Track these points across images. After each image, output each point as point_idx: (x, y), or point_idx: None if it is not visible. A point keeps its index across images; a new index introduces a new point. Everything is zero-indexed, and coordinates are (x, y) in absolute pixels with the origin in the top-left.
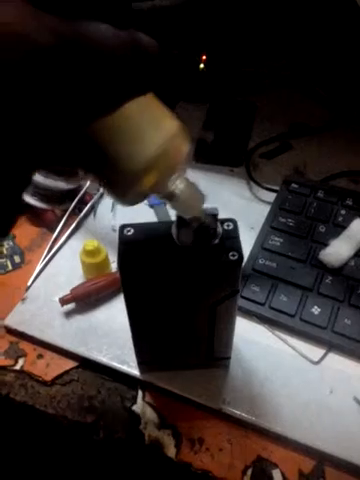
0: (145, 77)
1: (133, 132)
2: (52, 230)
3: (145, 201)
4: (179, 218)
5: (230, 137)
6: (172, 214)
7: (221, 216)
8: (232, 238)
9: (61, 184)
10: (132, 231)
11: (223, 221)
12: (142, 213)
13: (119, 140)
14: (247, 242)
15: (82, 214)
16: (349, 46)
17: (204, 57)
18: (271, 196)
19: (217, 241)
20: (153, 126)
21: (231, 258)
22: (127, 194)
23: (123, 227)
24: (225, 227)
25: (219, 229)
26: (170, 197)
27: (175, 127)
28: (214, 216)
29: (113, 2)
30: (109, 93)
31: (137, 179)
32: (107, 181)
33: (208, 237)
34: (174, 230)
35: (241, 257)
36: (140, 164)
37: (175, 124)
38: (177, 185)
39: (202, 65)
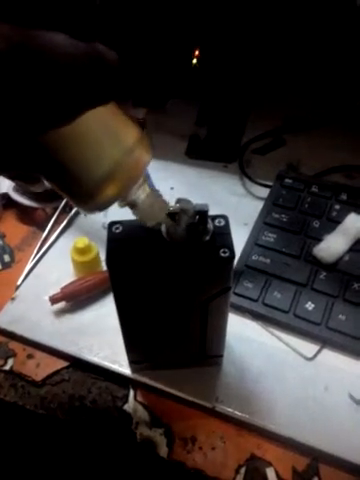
0: (103, 88)
1: (91, 144)
2: (42, 229)
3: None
4: (169, 215)
5: (223, 133)
6: None
7: (214, 212)
8: (223, 234)
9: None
10: (121, 228)
11: (214, 217)
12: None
13: (77, 152)
14: (240, 238)
15: (73, 212)
16: (343, 42)
17: (197, 53)
18: (265, 192)
19: (208, 238)
20: (112, 138)
21: (222, 255)
22: (87, 204)
23: (111, 224)
24: (216, 223)
25: (210, 226)
26: (132, 206)
27: (134, 138)
28: (204, 213)
29: (74, 14)
30: (63, 102)
31: (96, 191)
32: (68, 191)
33: (199, 234)
34: (163, 227)
35: (233, 254)
36: (98, 177)
37: (135, 135)
38: (138, 195)
39: (195, 61)
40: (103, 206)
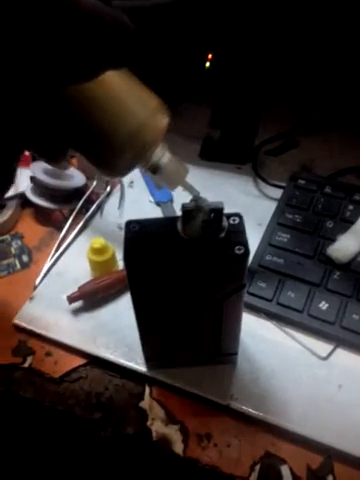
0: (123, 49)
1: (116, 105)
2: (59, 229)
3: (151, 199)
4: (185, 212)
5: (236, 135)
6: (178, 211)
7: (236, 212)
8: (238, 232)
9: (68, 184)
10: (138, 227)
11: (229, 215)
12: (148, 211)
13: (103, 111)
14: (254, 238)
15: (89, 213)
16: (356, 43)
17: (210, 55)
18: (278, 192)
19: (223, 235)
20: (135, 99)
21: (237, 252)
22: (113, 165)
23: (129, 223)
24: (231, 221)
25: (225, 223)
26: (154, 169)
27: (155, 102)
28: (220, 210)
29: None
30: (86, 56)
31: (121, 150)
32: (93, 153)
33: (214, 231)
34: (180, 225)
35: (247, 251)
36: (123, 136)
37: (155, 100)
38: (160, 157)
39: (208, 64)
40: (127, 168)
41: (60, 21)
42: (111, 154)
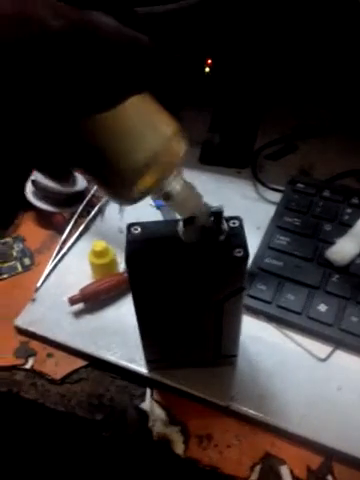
0: (144, 73)
1: (131, 133)
2: (61, 232)
3: (151, 203)
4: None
5: (236, 139)
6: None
7: (236, 216)
8: (238, 235)
9: (69, 187)
10: (139, 230)
11: (229, 219)
12: (149, 215)
13: (117, 140)
14: (253, 242)
15: (90, 216)
16: (354, 48)
17: (209, 61)
18: (277, 196)
19: (223, 238)
20: (150, 127)
21: (237, 254)
22: (124, 194)
23: (130, 226)
24: (231, 225)
25: (224, 226)
26: (167, 197)
27: (172, 129)
28: (219, 214)
29: (119, 10)
30: (110, 84)
31: (134, 180)
32: (105, 182)
33: (214, 234)
34: (180, 228)
35: (247, 253)
36: (136, 166)
37: (172, 126)
38: (174, 186)
39: (208, 69)
40: (139, 197)
41: (83, 48)
42: (121, 183)
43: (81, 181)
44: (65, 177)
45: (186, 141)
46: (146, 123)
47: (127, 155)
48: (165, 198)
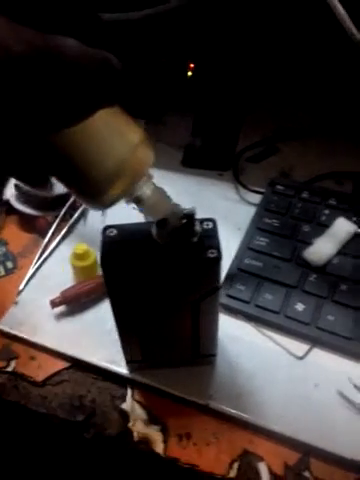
0: (111, 89)
1: (99, 143)
2: (44, 236)
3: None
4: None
5: (218, 142)
6: None
7: (210, 217)
8: (211, 236)
9: (51, 191)
10: (115, 232)
11: (202, 220)
12: (132, 218)
13: (87, 151)
14: (234, 242)
15: (73, 220)
16: (333, 52)
17: (192, 65)
18: (258, 198)
19: (196, 239)
20: (118, 137)
21: (210, 255)
22: (96, 201)
23: (106, 228)
24: (204, 226)
25: (197, 228)
26: (138, 201)
27: (139, 137)
28: (191, 215)
29: (82, 18)
30: (76, 102)
31: (104, 188)
32: (78, 189)
33: (187, 236)
34: (154, 230)
35: (220, 254)
36: (106, 174)
37: (139, 134)
38: (144, 190)
39: (190, 73)
40: (111, 202)
41: (46, 72)
42: (93, 190)
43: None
44: (42, 184)
45: (152, 147)
46: (114, 133)
47: (97, 164)
48: (136, 202)
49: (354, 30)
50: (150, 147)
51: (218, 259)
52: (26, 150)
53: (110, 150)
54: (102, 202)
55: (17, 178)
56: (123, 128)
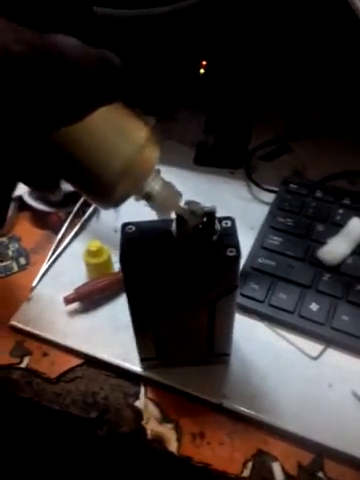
0: (110, 87)
1: (104, 142)
2: (56, 232)
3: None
4: (178, 216)
5: (230, 140)
6: (173, 214)
7: (228, 216)
8: (230, 235)
9: (64, 187)
10: (133, 229)
11: (221, 219)
12: (144, 215)
13: (92, 150)
14: (247, 242)
15: (85, 216)
16: (346, 50)
17: (204, 62)
18: (270, 197)
19: (216, 238)
20: (123, 135)
21: (229, 254)
22: (105, 200)
23: (125, 225)
24: (223, 225)
25: (217, 226)
26: (147, 198)
27: (144, 134)
28: (212, 214)
29: (78, 14)
30: (75, 100)
31: (113, 186)
32: (87, 189)
33: (207, 234)
34: (174, 227)
35: (239, 253)
36: (113, 173)
37: (144, 131)
38: (153, 186)
39: (202, 70)
40: (120, 200)
41: (46, 72)
42: (101, 190)
43: None
44: (51, 188)
45: (159, 144)
46: (118, 132)
47: (103, 164)
48: (146, 199)
49: None
50: (156, 144)
51: (237, 258)
52: (30, 152)
53: (116, 149)
54: (111, 201)
55: (25, 183)
56: (128, 126)
